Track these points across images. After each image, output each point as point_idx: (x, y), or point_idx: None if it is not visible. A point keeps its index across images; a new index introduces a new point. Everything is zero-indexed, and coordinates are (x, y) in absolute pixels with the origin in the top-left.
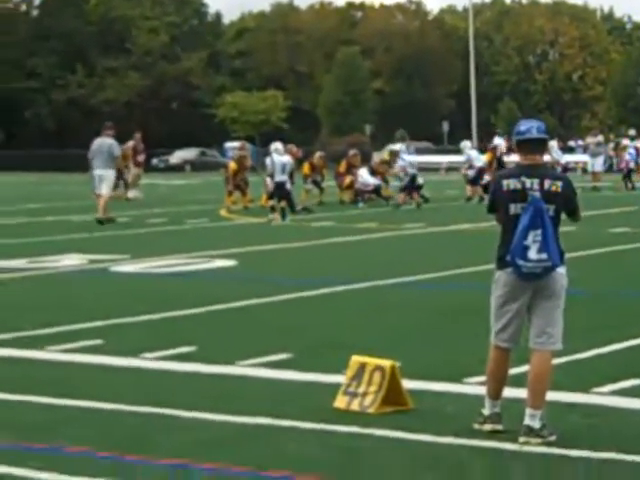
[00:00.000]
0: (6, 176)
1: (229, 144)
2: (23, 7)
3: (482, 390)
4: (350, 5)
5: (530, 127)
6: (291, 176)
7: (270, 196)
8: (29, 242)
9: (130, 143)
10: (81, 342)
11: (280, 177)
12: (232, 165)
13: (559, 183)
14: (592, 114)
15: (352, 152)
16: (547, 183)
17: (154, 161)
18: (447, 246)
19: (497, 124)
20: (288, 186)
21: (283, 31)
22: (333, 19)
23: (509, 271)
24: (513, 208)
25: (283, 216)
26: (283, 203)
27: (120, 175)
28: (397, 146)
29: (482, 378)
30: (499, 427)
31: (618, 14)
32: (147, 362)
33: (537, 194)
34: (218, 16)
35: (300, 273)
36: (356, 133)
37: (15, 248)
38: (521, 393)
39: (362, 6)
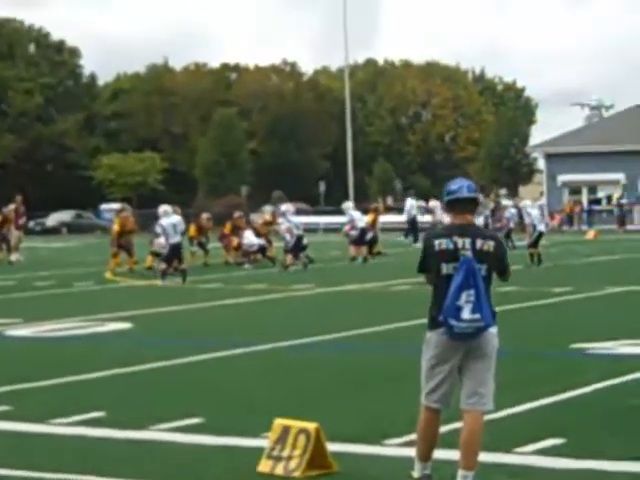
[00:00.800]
0: None
1: (105, 206)
2: None
3: (402, 451)
4: (225, 67)
5: (461, 186)
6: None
7: (166, 259)
8: None
9: (11, 206)
10: None
11: (174, 239)
12: (115, 227)
13: (491, 242)
14: (465, 174)
15: (237, 214)
16: (479, 243)
17: (30, 224)
18: (339, 307)
19: (371, 185)
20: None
21: (158, 92)
22: (208, 80)
23: (441, 332)
24: (445, 268)
25: (184, 278)
26: (183, 265)
27: (2, 238)
28: (283, 207)
29: (402, 439)
30: None
31: (489, 75)
32: (58, 428)
33: (469, 254)
34: (93, 77)
35: (198, 335)
36: (232, 194)
37: None
38: (449, 454)
39: (237, 67)
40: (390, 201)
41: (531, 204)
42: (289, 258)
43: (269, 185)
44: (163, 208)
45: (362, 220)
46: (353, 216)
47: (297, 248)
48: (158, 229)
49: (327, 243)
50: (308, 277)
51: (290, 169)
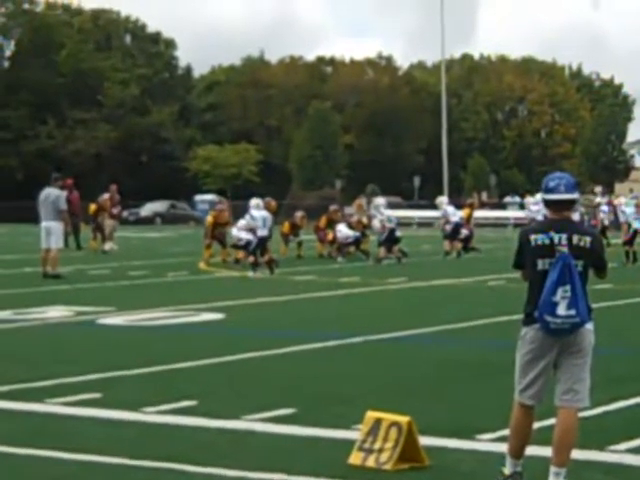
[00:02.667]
0: None
1: (199, 197)
2: None
3: (495, 447)
4: (321, 60)
5: (558, 184)
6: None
7: (253, 251)
8: (11, 294)
9: (106, 195)
10: (80, 395)
11: (263, 232)
12: (209, 219)
13: (588, 238)
14: (560, 171)
15: (333, 207)
16: (575, 238)
17: (124, 214)
18: (432, 301)
19: (466, 180)
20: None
21: (253, 85)
22: (303, 73)
23: (536, 327)
24: (541, 264)
25: (272, 270)
26: (266, 257)
27: (97, 226)
28: (377, 200)
29: (494, 435)
30: None
31: (586, 71)
32: (149, 416)
33: (565, 249)
34: (188, 69)
35: (291, 326)
36: (326, 187)
37: None
38: (540, 450)
39: (333, 61)
40: (485, 196)
41: (626, 201)
42: (382, 251)
43: (363, 179)
44: (255, 201)
45: (456, 215)
46: (447, 211)
47: (390, 241)
48: (249, 219)
49: (420, 237)
50: (401, 271)
51: (385, 163)
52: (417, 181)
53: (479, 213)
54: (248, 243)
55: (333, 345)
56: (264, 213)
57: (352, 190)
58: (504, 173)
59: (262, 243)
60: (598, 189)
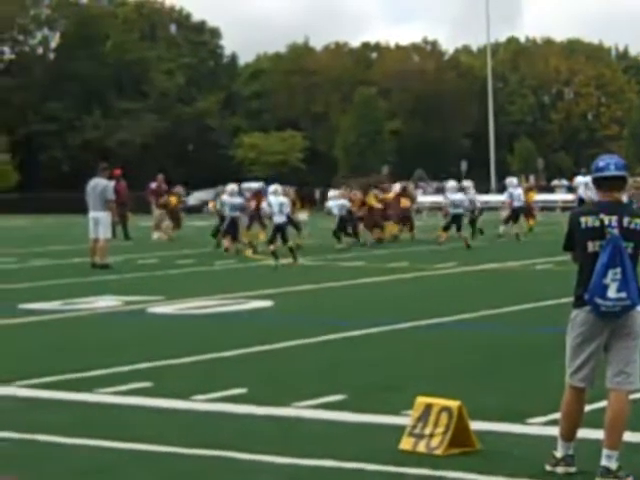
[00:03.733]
0: (21, 219)
1: (245, 185)
2: (40, 50)
3: (546, 430)
4: (365, 46)
5: (608, 163)
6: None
7: (270, 240)
8: (61, 284)
9: (153, 185)
10: (130, 384)
11: (279, 218)
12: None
13: (638, 220)
14: (608, 153)
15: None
16: (626, 220)
17: None
18: (481, 285)
19: (513, 163)
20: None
21: (298, 72)
22: (349, 60)
23: (587, 310)
24: (591, 246)
25: (294, 257)
26: (290, 243)
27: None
28: (449, 183)
29: (545, 418)
30: (572, 469)
31: (633, 53)
32: (199, 404)
33: (616, 231)
34: (233, 57)
35: (339, 313)
36: (373, 174)
37: (48, 290)
38: (592, 433)
39: (378, 47)
40: (532, 180)
41: None
42: (442, 235)
43: (410, 164)
44: (273, 187)
45: (520, 200)
46: (512, 194)
47: (449, 226)
48: (266, 206)
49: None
50: (451, 255)
51: (431, 148)
52: (464, 165)
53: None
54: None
55: (381, 331)
56: (281, 199)
57: (399, 176)
58: (551, 156)
59: (280, 230)
60: None
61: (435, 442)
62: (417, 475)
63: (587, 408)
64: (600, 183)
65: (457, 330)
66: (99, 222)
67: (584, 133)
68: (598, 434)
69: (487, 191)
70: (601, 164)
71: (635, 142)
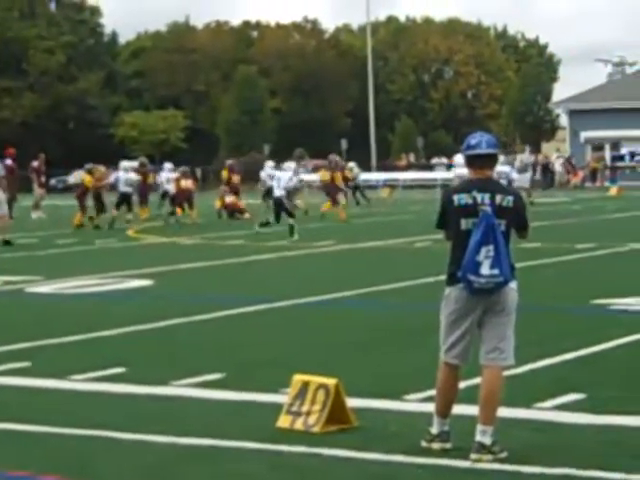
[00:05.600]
0: None
1: (126, 163)
2: None
3: (422, 407)
4: (246, 24)
5: (480, 141)
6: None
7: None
8: None
9: (35, 164)
10: (8, 364)
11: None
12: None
13: (510, 198)
14: (488, 131)
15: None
16: (499, 198)
17: (52, 182)
18: (360, 263)
19: (394, 142)
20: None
21: (179, 51)
22: (230, 38)
23: (460, 287)
24: (464, 223)
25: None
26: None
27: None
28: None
29: (421, 395)
30: (447, 446)
31: (512, 32)
32: (78, 384)
33: (488, 209)
34: (114, 36)
35: (219, 292)
36: (254, 152)
37: None
38: (467, 409)
39: (258, 25)
40: (412, 158)
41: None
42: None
43: (291, 143)
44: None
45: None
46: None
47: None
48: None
49: (349, 200)
50: (329, 234)
51: (312, 127)
52: (344, 144)
53: (407, 175)
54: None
55: (261, 309)
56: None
57: (281, 154)
58: (431, 135)
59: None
60: (527, 148)
61: (312, 419)
62: (294, 452)
63: (462, 384)
64: (472, 161)
65: (337, 308)
66: None
67: (463, 111)
68: (474, 410)
69: (368, 169)
70: (473, 142)
71: (513, 120)
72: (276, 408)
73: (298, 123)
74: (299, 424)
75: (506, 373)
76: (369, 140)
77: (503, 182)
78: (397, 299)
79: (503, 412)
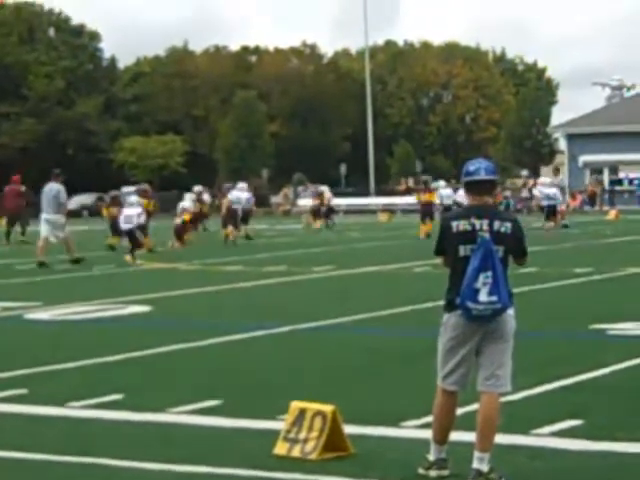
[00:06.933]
0: None
1: (126, 189)
2: None
3: (420, 433)
4: (245, 49)
5: (478, 168)
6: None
7: None
8: None
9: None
10: (5, 391)
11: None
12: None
13: (508, 224)
14: (486, 155)
15: None
16: (497, 224)
17: None
18: (359, 289)
19: (392, 166)
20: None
21: (178, 75)
22: (228, 63)
23: (458, 314)
24: (462, 250)
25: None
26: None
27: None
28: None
29: (419, 421)
30: (445, 473)
31: (510, 55)
32: (74, 411)
33: (487, 235)
34: (113, 61)
35: (218, 318)
36: (253, 177)
37: None
38: (464, 436)
39: (257, 50)
40: (411, 182)
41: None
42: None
43: (290, 167)
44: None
45: (449, 198)
46: (442, 194)
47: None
48: None
49: (348, 224)
50: (328, 259)
51: (311, 151)
52: (343, 168)
53: (406, 199)
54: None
55: (259, 335)
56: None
57: (279, 179)
58: (430, 159)
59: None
60: (524, 172)
61: (309, 447)
62: None
63: (460, 411)
64: (471, 187)
65: (335, 334)
66: (49, 223)
67: (462, 136)
68: (471, 436)
69: (367, 194)
70: (471, 168)
71: (512, 144)
72: (273, 435)
73: (297, 147)
74: (296, 451)
75: (503, 399)
76: (368, 164)
77: (553, 203)
78: (395, 324)
79: (500, 438)
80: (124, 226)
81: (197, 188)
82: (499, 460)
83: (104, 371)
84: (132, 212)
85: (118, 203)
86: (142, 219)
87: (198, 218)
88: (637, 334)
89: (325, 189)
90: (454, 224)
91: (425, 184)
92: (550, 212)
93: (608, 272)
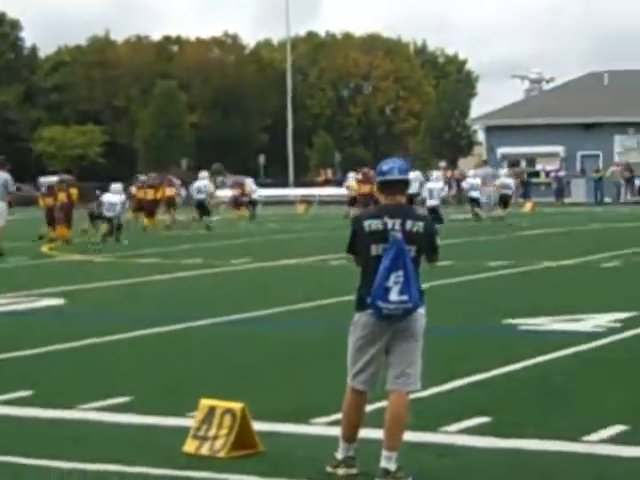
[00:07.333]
0: None
1: (44, 179)
2: None
3: (330, 431)
4: (167, 39)
5: (392, 167)
6: None
7: None
8: None
9: None
10: None
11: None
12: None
13: (421, 224)
14: (405, 147)
15: None
16: (409, 224)
17: None
18: (274, 282)
19: (311, 157)
20: None
21: (99, 65)
22: (150, 53)
23: (369, 313)
24: (374, 249)
25: None
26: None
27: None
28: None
29: (329, 418)
30: (353, 471)
31: (431, 47)
32: None
33: (399, 235)
34: (34, 50)
35: (133, 311)
36: (172, 167)
37: None
38: (373, 433)
39: (178, 40)
40: (330, 174)
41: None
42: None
43: (209, 158)
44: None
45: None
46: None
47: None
48: None
49: (267, 216)
50: (246, 251)
51: (230, 142)
52: (262, 159)
53: (325, 190)
54: None
55: (172, 330)
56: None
57: (198, 169)
58: (349, 150)
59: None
60: (442, 164)
61: (218, 444)
62: (200, 478)
63: (370, 407)
64: (384, 186)
65: (249, 328)
66: None
67: (382, 127)
68: (380, 434)
69: (286, 185)
70: (385, 168)
71: (431, 136)
72: (183, 432)
73: (216, 138)
74: (205, 449)
75: (412, 396)
76: (287, 155)
77: (508, 192)
78: (310, 318)
79: (408, 436)
80: (107, 213)
81: (142, 178)
82: (407, 458)
83: (14, 366)
84: (115, 200)
85: (53, 193)
86: (123, 208)
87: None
88: (549, 329)
89: (249, 181)
90: (366, 223)
91: (365, 175)
92: (504, 200)
93: (523, 266)
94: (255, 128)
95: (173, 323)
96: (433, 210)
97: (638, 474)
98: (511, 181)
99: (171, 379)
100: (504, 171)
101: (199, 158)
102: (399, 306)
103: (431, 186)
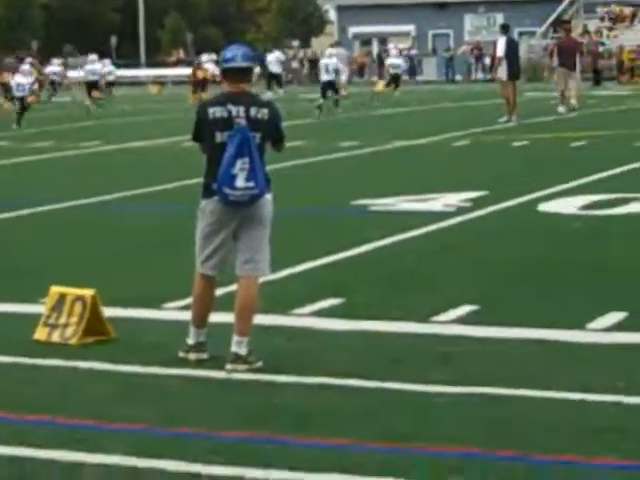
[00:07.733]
0: None
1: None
2: None
3: (182, 315)
4: None
5: (235, 54)
6: None
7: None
8: None
9: None
10: None
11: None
12: None
13: (265, 110)
14: (257, 26)
15: None
16: (253, 111)
17: None
18: (121, 165)
19: (163, 38)
20: None
21: None
22: None
23: (215, 199)
24: (219, 136)
25: None
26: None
27: None
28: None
29: (180, 303)
30: (204, 356)
31: None
32: None
33: (243, 122)
34: None
35: None
36: (22, 49)
37: None
38: (224, 317)
39: None
40: (182, 54)
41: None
42: None
43: (60, 39)
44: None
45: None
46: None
47: None
48: None
49: (118, 97)
50: (97, 133)
51: (81, 23)
52: (114, 40)
53: (177, 71)
54: None
55: (23, 214)
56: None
57: (49, 51)
58: (201, 30)
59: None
60: (295, 43)
61: (69, 332)
62: (50, 366)
63: (221, 292)
64: (228, 74)
65: (100, 212)
66: None
67: (233, 6)
68: (231, 318)
69: (138, 65)
70: (229, 55)
71: (283, 14)
72: (35, 319)
73: (67, 19)
74: (56, 336)
75: (263, 280)
76: (138, 36)
77: (398, 72)
78: (158, 203)
79: (260, 319)
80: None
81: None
82: (258, 342)
83: None
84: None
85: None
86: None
87: None
88: (398, 209)
89: (107, 62)
90: (210, 111)
91: (199, 65)
92: (395, 80)
93: (374, 146)
94: (106, 9)
95: (23, 207)
96: (330, 83)
97: (485, 354)
98: (401, 61)
99: (22, 265)
100: (394, 51)
101: (49, 39)
102: (245, 192)
103: (326, 62)
